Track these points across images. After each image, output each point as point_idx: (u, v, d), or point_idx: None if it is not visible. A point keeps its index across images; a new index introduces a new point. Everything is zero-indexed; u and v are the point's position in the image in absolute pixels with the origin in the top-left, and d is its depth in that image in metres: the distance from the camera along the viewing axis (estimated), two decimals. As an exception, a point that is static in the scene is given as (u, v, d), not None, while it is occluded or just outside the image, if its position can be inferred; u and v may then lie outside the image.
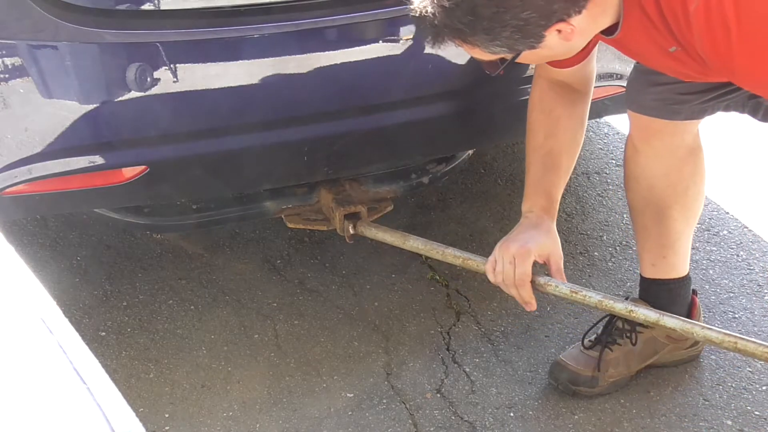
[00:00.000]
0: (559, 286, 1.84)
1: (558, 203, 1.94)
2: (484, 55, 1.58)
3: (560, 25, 1.52)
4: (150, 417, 2.03)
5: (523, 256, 1.81)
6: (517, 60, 1.61)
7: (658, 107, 1.95)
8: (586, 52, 1.81)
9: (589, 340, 2.13)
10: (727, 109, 1.93)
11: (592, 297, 1.83)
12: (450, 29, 1.52)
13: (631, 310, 1.81)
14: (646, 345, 2.13)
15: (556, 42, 1.56)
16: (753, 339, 1.73)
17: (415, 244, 2.05)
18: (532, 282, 1.83)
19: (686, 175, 2.02)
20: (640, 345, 2.12)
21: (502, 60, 1.60)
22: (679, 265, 2.12)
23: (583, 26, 1.56)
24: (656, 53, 1.67)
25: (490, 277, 1.87)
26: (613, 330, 2.12)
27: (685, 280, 2.13)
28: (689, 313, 2.13)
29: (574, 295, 1.83)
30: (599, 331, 2.15)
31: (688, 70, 1.68)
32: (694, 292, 2.18)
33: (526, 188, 1.95)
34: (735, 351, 1.73)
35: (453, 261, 2.00)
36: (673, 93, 1.91)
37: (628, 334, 2.12)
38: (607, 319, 2.13)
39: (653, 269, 2.12)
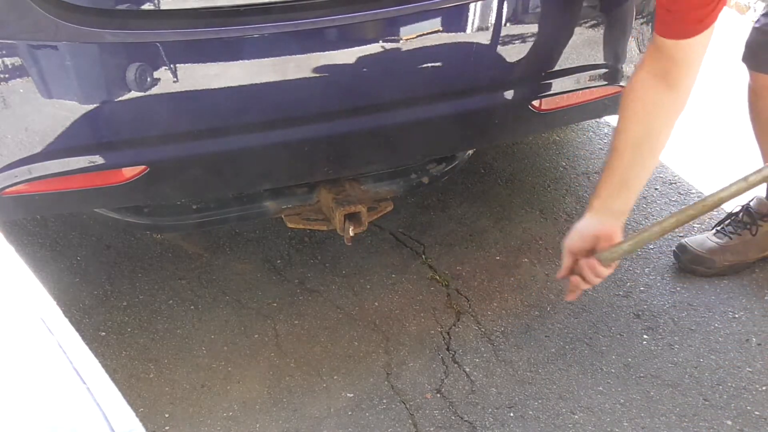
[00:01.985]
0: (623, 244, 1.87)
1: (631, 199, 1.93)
2: None
3: None
4: (150, 417, 2.03)
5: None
6: None
7: None
8: (712, 17, 1.77)
9: (716, 229, 2.51)
10: None
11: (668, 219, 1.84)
12: None
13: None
14: (765, 237, 2.48)
15: None
16: None
17: (654, 231, 1.89)
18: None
19: None
20: (759, 236, 2.48)
21: None
22: None
23: None
24: None
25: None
26: (736, 221, 2.50)
27: None
28: None
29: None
30: (726, 221, 2.52)
31: None
32: None
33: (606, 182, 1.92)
34: None
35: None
36: None
37: (748, 226, 2.48)
38: (738, 208, 2.49)
39: None
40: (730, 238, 2.47)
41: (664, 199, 2.81)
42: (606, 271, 1.89)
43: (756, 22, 2.31)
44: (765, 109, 2.35)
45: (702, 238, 2.51)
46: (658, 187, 2.87)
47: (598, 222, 1.88)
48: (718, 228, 2.52)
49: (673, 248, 2.53)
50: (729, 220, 2.52)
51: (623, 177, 1.89)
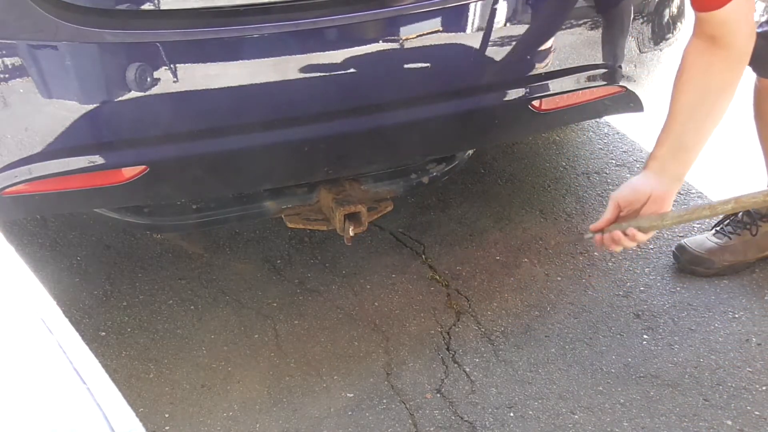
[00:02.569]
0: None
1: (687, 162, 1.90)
2: None
3: None
4: (150, 417, 2.03)
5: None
6: None
7: None
8: None
9: (715, 229, 2.51)
10: None
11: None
12: None
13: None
14: (764, 238, 2.48)
15: None
16: None
17: (672, 218, 1.90)
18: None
19: None
20: (759, 236, 2.47)
21: None
22: None
23: None
24: None
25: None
26: (734, 222, 2.49)
27: None
28: None
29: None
30: (725, 222, 2.51)
31: None
32: None
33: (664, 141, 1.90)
34: None
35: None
36: None
37: (748, 226, 2.48)
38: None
39: None
40: (730, 239, 2.48)
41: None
42: (644, 237, 1.87)
43: (759, 27, 2.28)
44: None
45: (701, 238, 2.51)
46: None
47: (656, 182, 1.85)
48: (718, 228, 2.52)
49: (673, 249, 2.53)
50: (728, 221, 2.51)
51: (680, 140, 1.86)
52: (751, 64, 2.23)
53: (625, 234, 1.86)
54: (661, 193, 1.86)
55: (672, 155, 1.87)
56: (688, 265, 2.48)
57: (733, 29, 1.83)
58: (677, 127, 1.86)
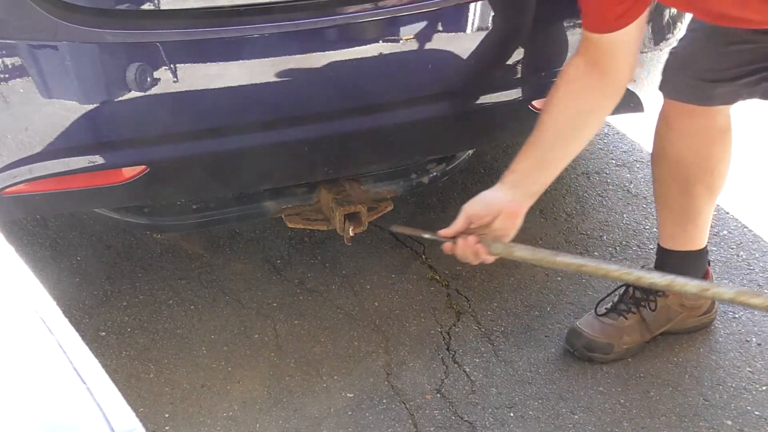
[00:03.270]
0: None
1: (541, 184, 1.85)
2: None
3: None
4: (150, 417, 2.03)
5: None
6: None
7: (693, 93, 1.99)
8: (633, 14, 1.74)
9: (605, 308, 2.22)
10: (764, 96, 1.94)
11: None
12: None
13: (629, 273, 1.74)
14: (660, 313, 2.21)
15: None
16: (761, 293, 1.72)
17: (523, 253, 1.83)
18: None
19: (715, 154, 2.06)
20: (655, 313, 2.20)
21: None
22: (698, 238, 2.17)
23: None
24: None
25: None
26: (628, 298, 2.21)
27: (703, 252, 2.20)
28: None
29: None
30: (615, 299, 2.23)
31: None
32: (709, 263, 2.24)
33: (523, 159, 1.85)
34: (748, 306, 1.69)
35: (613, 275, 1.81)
36: (707, 80, 1.95)
37: (644, 303, 2.20)
38: (623, 288, 2.22)
39: (672, 241, 2.18)
40: (626, 318, 2.20)
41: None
42: (489, 259, 1.79)
43: (673, 44, 2.15)
44: (674, 142, 2.07)
45: (590, 319, 2.23)
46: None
47: (508, 197, 1.79)
48: (608, 307, 2.23)
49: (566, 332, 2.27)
50: (619, 298, 2.23)
51: (543, 156, 1.82)
52: (661, 86, 2.09)
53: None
54: (513, 208, 1.79)
55: (531, 171, 1.82)
56: (586, 351, 2.19)
57: (618, 57, 1.80)
58: (543, 143, 1.82)
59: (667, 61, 2.06)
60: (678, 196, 2.11)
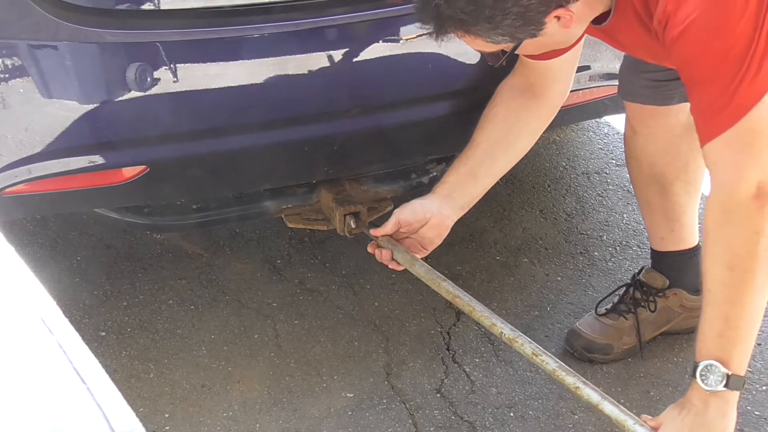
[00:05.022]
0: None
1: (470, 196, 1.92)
2: (486, 46, 1.57)
3: (560, 11, 1.52)
4: (150, 417, 2.03)
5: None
6: (519, 51, 1.61)
7: (651, 95, 2.01)
8: (569, 46, 1.79)
9: (605, 308, 2.22)
10: None
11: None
12: (453, 20, 1.51)
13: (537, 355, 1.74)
14: (660, 314, 2.20)
15: (556, 29, 1.56)
16: None
17: (419, 270, 1.92)
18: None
19: (684, 150, 2.06)
20: (655, 314, 2.19)
21: (504, 51, 1.60)
22: (688, 237, 2.17)
23: (581, 12, 1.57)
24: (643, 42, 1.65)
25: None
26: (628, 299, 2.21)
27: (695, 250, 2.19)
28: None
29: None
30: (615, 300, 2.23)
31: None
32: None
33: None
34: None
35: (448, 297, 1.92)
36: (664, 79, 1.96)
37: (643, 304, 2.19)
38: (623, 289, 2.22)
39: (662, 243, 2.19)
40: (625, 318, 2.20)
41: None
42: (397, 267, 1.89)
43: None
44: (643, 147, 2.08)
45: (590, 320, 2.23)
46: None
47: (436, 208, 1.86)
48: (608, 307, 2.23)
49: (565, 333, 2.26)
50: (619, 298, 2.23)
51: (474, 169, 1.88)
52: (619, 91, 2.12)
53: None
54: (440, 219, 1.86)
55: (462, 183, 1.88)
56: (586, 352, 2.18)
57: (551, 82, 1.87)
58: (475, 157, 1.88)
59: (621, 65, 2.08)
60: (658, 197, 2.12)
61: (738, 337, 1.58)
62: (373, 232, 1.90)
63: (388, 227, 1.87)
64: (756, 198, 1.50)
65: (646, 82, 2.01)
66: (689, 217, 2.16)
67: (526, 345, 1.72)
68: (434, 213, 1.86)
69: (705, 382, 1.58)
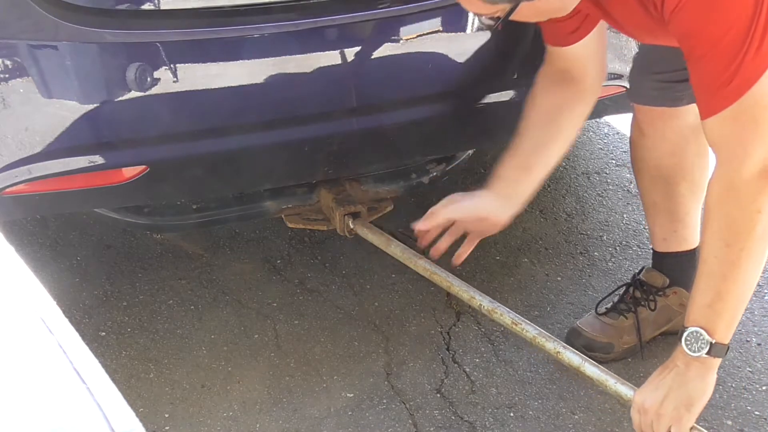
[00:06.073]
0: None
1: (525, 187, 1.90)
2: (483, 8, 1.53)
3: None
4: (150, 417, 2.03)
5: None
6: (516, 17, 1.56)
7: (659, 96, 2.01)
8: (585, 29, 1.78)
9: (605, 308, 2.22)
10: None
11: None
12: None
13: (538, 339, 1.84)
14: (660, 313, 2.20)
15: None
16: None
17: (395, 250, 2.01)
18: None
19: (691, 152, 2.06)
20: (655, 313, 2.19)
21: (499, 18, 1.57)
22: (690, 238, 2.17)
23: None
24: (638, 18, 1.63)
25: None
26: (629, 298, 2.21)
27: (697, 250, 2.16)
28: None
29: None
30: (615, 299, 2.22)
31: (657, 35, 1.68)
32: None
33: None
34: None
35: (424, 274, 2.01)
36: (672, 80, 1.96)
37: (643, 303, 2.19)
38: (623, 288, 2.22)
39: (665, 243, 2.19)
40: (626, 317, 2.19)
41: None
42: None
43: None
44: (651, 150, 2.08)
45: (591, 318, 2.23)
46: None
47: (496, 206, 1.86)
48: (608, 306, 2.23)
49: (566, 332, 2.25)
50: (619, 298, 2.23)
51: (526, 161, 1.87)
52: (629, 94, 2.12)
53: None
54: (497, 218, 1.87)
55: (517, 177, 1.87)
56: (586, 351, 2.09)
57: (584, 64, 1.84)
58: (526, 148, 1.86)
59: (631, 68, 2.08)
60: (663, 198, 2.13)
61: (726, 309, 1.61)
62: (418, 226, 1.90)
63: (441, 222, 1.89)
64: (761, 176, 1.51)
65: (655, 84, 2.01)
66: (692, 218, 2.16)
67: (505, 315, 1.83)
68: (493, 213, 1.86)
69: (689, 347, 1.63)
